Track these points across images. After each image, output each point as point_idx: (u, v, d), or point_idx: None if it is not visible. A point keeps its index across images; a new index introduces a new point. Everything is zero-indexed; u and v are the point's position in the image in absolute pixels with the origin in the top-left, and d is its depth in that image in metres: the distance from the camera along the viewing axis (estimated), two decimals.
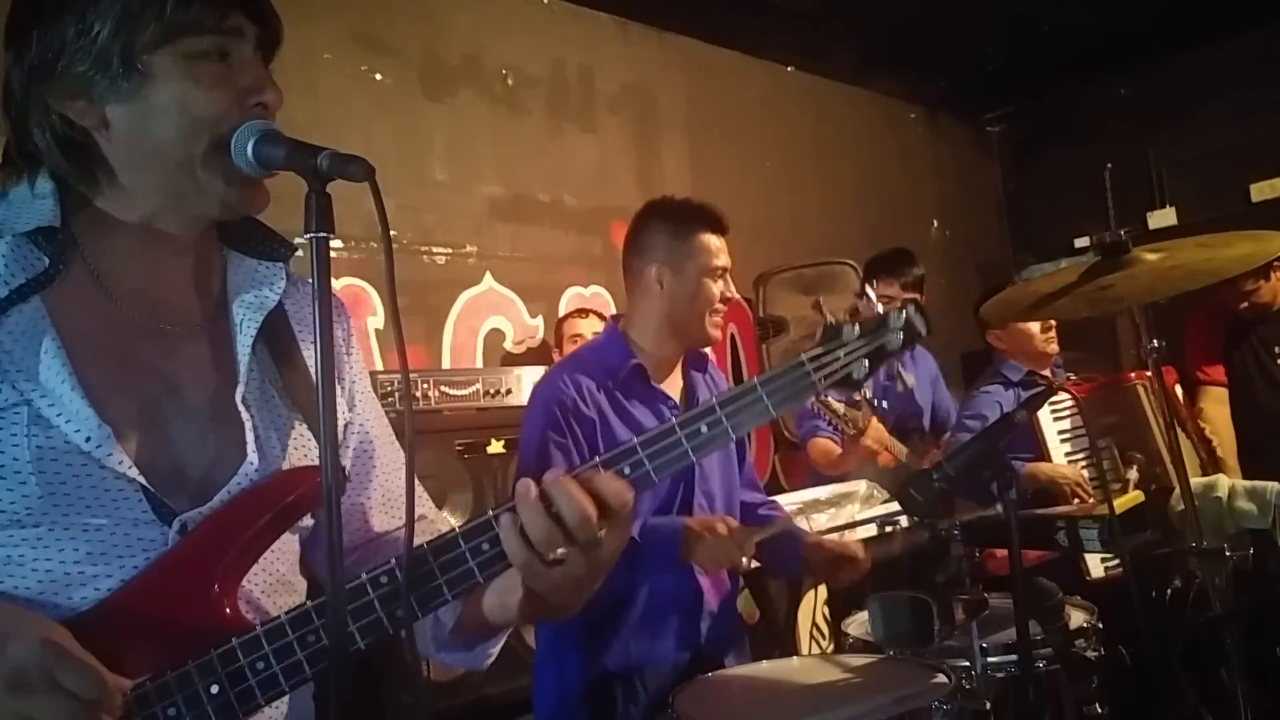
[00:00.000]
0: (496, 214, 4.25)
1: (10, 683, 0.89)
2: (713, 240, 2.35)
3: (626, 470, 1.10)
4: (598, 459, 1.10)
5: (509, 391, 3.34)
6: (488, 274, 4.19)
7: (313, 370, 1.21)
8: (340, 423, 1.24)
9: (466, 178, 4.17)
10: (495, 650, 1.29)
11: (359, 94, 3.84)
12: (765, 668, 2.15)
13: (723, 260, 2.35)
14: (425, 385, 3.15)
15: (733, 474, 2.44)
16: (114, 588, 1.04)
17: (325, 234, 0.97)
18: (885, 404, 3.69)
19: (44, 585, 1.02)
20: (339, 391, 1.26)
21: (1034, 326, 3.57)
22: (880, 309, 1.22)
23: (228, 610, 1.05)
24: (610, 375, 2.25)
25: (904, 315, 1.20)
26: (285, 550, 1.19)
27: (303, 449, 1.17)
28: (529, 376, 3.41)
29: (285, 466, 1.14)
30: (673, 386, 2.37)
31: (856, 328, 1.20)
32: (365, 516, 1.29)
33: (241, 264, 1.22)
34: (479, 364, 4.05)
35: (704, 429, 1.14)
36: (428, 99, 4.08)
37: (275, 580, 1.16)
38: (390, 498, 1.32)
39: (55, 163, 1.10)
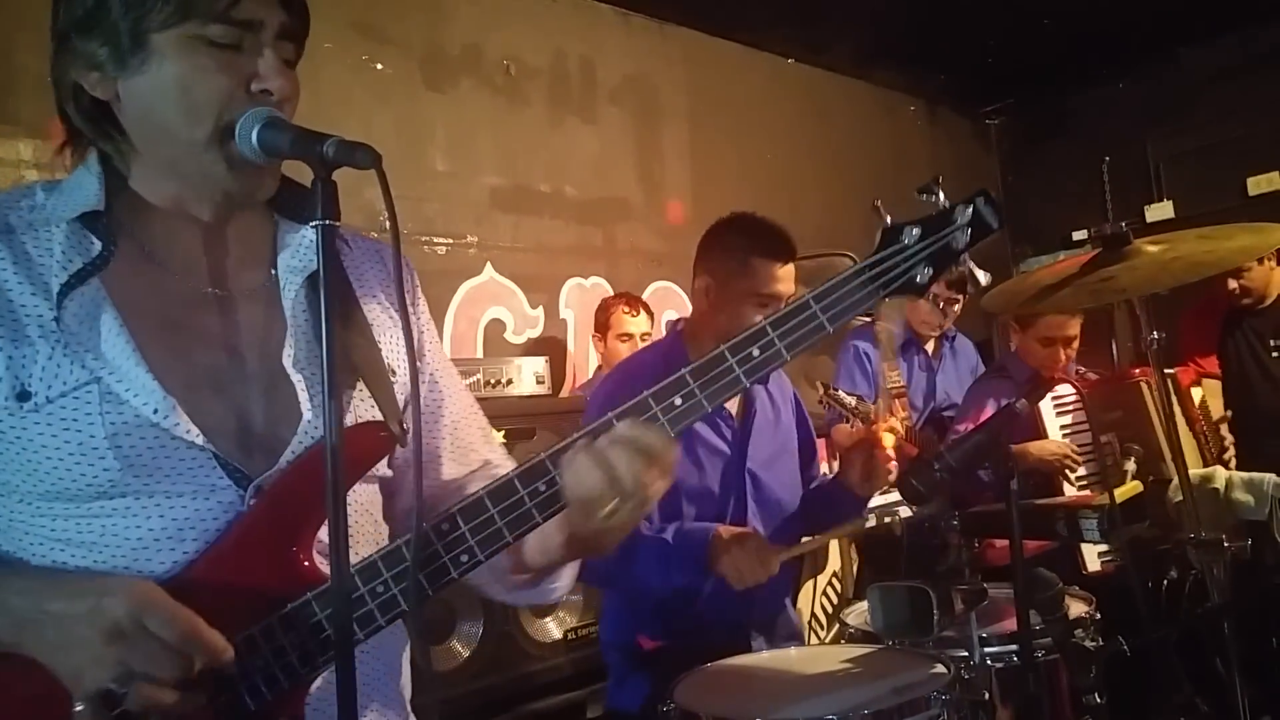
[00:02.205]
0: (497, 204, 4.25)
1: (107, 634, 0.96)
2: (768, 266, 2.25)
3: (678, 401, 1.11)
4: (647, 393, 1.11)
5: (510, 382, 3.34)
6: (488, 264, 4.19)
7: (378, 318, 1.25)
8: (404, 371, 1.26)
9: (467, 168, 4.17)
10: (560, 584, 1.32)
11: (360, 84, 3.83)
12: (764, 657, 2.16)
13: (772, 288, 2.25)
14: None
15: (794, 482, 2.42)
16: (200, 545, 1.08)
17: (331, 221, 0.97)
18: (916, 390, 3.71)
19: (135, 552, 1.06)
20: (401, 344, 1.26)
21: (1042, 351, 3.57)
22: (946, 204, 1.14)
23: (305, 564, 1.09)
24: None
25: (971, 209, 1.14)
26: (363, 501, 1.22)
27: (363, 404, 1.19)
28: (529, 367, 3.42)
29: (348, 422, 1.16)
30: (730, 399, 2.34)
31: (917, 229, 1.14)
32: (437, 464, 1.32)
33: (288, 229, 1.23)
34: (480, 354, 4.06)
35: (756, 352, 1.11)
36: (429, 89, 4.07)
37: (353, 531, 1.17)
38: (460, 445, 1.35)
39: (86, 130, 1.14)
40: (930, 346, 4.08)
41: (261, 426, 1.12)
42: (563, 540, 1.18)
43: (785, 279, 2.26)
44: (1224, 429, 3.93)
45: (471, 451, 1.36)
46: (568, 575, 1.32)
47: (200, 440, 1.07)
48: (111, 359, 1.06)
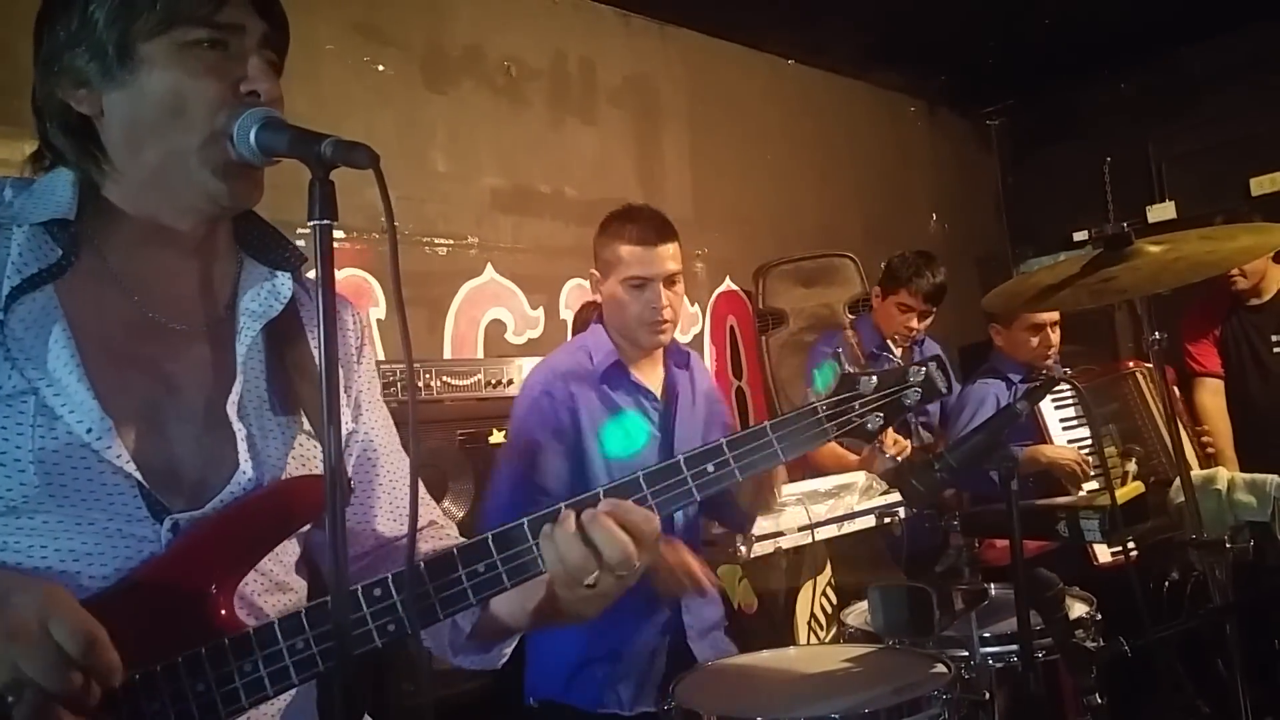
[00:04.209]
0: (498, 205, 4.25)
1: (8, 632, 0.90)
2: (633, 251, 2.32)
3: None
4: (604, 487, 1.12)
5: (510, 382, 3.34)
6: (489, 265, 4.18)
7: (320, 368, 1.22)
8: (344, 431, 1.24)
9: (468, 169, 4.16)
10: (509, 650, 1.31)
11: (361, 84, 3.83)
12: (764, 657, 2.16)
13: (641, 270, 2.32)
14: (427, 375, 3.15)
15: None
16: (107, 575, 1.04)
17: (329, 221, 0.96)
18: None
19: (37, 573, 1.02)
20: (344, 400, 1.26)
21: (1034, 340, 3.57)
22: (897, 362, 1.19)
23: (223, 612, 1.06)
24: (591, 370, 2.35)
25: (924, 372, 1.20)
26: (282, 553, 1.19)
27: (303, 457, 1.17)
28: (530, 367, 3.42)
29: (286, 475, 1.14)
30: (653, 379, 2.44)
31: (874, 379, 1.19)
32: (371, 524, 1.30)
33: (253, 271, 1.22)
34: (480, 354, 4.05)
35: (710, 469, 1.14)
36: (429, 90, 4.07)
37: (272, 583, 1.17)
38: (396, 506, 1.32)
39: (64, 148, 1.13)
40: (899, 354, 4.04)
41: (193, 467, 1.10)
42: (534, 608, 1.18)
43: (653, 261, 2.32)
44: (1204, 429, 3.93)
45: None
46: (514, 643, 1.32)
47: (129, 466, 1.04)
48: (54, 372, 1.03)
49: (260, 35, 1.11)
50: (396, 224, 1.00)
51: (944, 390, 1.19)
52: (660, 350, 2.44)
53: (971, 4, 5.08)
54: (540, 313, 4.34)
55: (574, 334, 4.06)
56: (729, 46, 5.33)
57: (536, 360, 3.47)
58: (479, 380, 3.28)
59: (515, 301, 4.26)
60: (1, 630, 0.90)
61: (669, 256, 2.34)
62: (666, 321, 2.34)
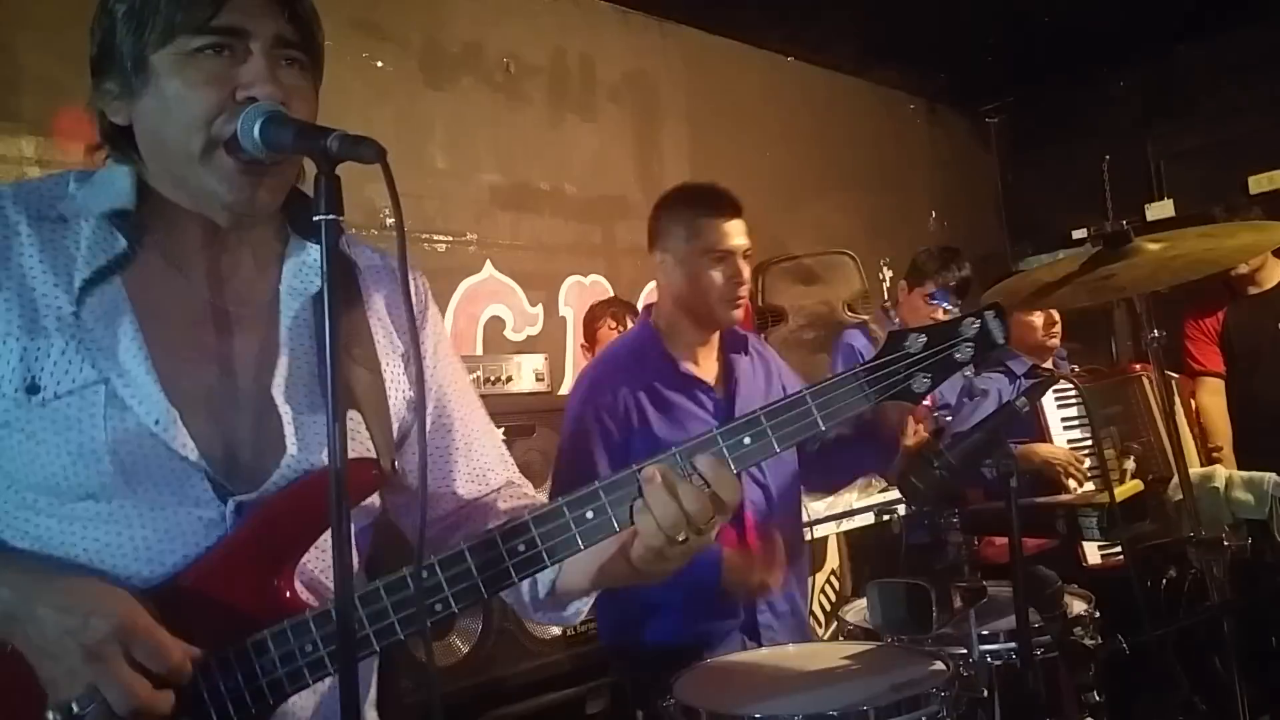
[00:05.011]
0: (497, 202, 4.25)
1: (88, 654, 0.97)
2: (712, 224, 2.31)
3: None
4: (675, 449, 1.11)
5: (509, 379, 3.35)
6: (488, 262, 4.19)
7: (380, 343, 1.24)
8: (403, 400, 1.26)
9: (467, 166, 4.16)
10: (586, 607, 1.33)
11: (360, 81, 3.83)
12: (764, 654, 2.17)
13: (724, 244, 2.31)
14: None
15: (785, 462, 2.44)
16: (178, 563, 1.08)
17: (335, 216, 0.96)
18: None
19: (115, 558, 1.07)
20: (401, 369, 1.27)
21: (1037, 320, 3.57)
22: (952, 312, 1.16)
23: (287, 594, 1.10)
24: (642, 368, 2.32)
25: (978, 324, 1.13)
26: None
27: (355, 437, 1.17)
28: (529, 364, 3.43)
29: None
30: (707, 370, 2.39)
31: (923, 337, 1.13)
32: (450, 487, 1.33)
33: (297, 247, 1.23)
34: (479, 351, 4.05)
35: (747, 440, 1.11)
36: (428, 87, 4.07)
37: (328, 562, 1.18)
38: (474, 467, 1.35)
39: (114, 156, 1.17)
40: None
41: (248, 453, 1.13)
42: (598, 568, 1.20)
43: (734, 233, 2.32)
44: (1216, 437, 3.93)
45: (488, 472, 1.36)
46: (591, 598, 1.32)
47: (193, 455, 1.07)
48: (124, 363, 1.06)
49: (271, 36, 1.10)
50: None
51: (1001, 341, 1.13)
52: (716, 338, 2.41)
53: (970, 2, 5.09)
54: (539, 310, 4.34)
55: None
56: (728, 43, 5.33)
57: (535, 357, 3.49)
58: (478, 377, 3.28)
59: (514, 298, 4.26)
60: (81, 652, 0.97)
61: (741, 230, 2.34)
62: (744, 297, 2.33)
